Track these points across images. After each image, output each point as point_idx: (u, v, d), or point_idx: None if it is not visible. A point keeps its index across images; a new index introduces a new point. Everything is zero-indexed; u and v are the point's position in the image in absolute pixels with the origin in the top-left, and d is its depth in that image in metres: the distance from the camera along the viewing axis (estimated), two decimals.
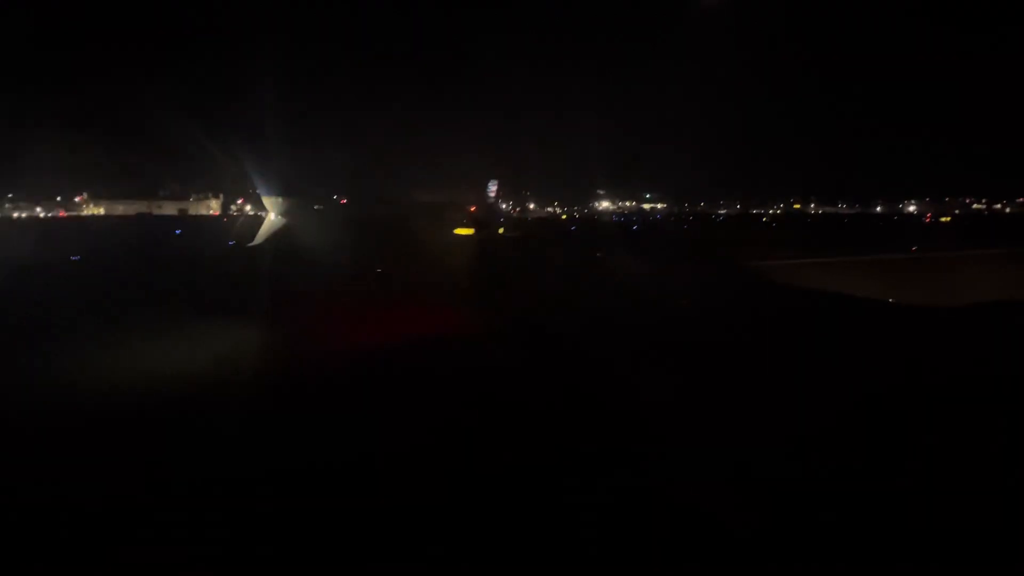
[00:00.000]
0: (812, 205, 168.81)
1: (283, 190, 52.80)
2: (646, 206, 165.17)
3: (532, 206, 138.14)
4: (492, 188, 70.41)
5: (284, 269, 29.00)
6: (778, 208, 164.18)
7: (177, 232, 57.92)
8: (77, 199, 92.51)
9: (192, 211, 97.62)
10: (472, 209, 58.28)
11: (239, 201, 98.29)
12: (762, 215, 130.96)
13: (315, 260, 31.29)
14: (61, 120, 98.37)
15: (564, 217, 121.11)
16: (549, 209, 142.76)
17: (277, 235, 46.99)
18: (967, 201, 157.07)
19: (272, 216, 51.99)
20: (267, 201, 53.70)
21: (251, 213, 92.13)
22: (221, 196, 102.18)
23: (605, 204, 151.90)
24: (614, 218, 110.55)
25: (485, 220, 56.12)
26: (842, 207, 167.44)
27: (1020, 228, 72.13)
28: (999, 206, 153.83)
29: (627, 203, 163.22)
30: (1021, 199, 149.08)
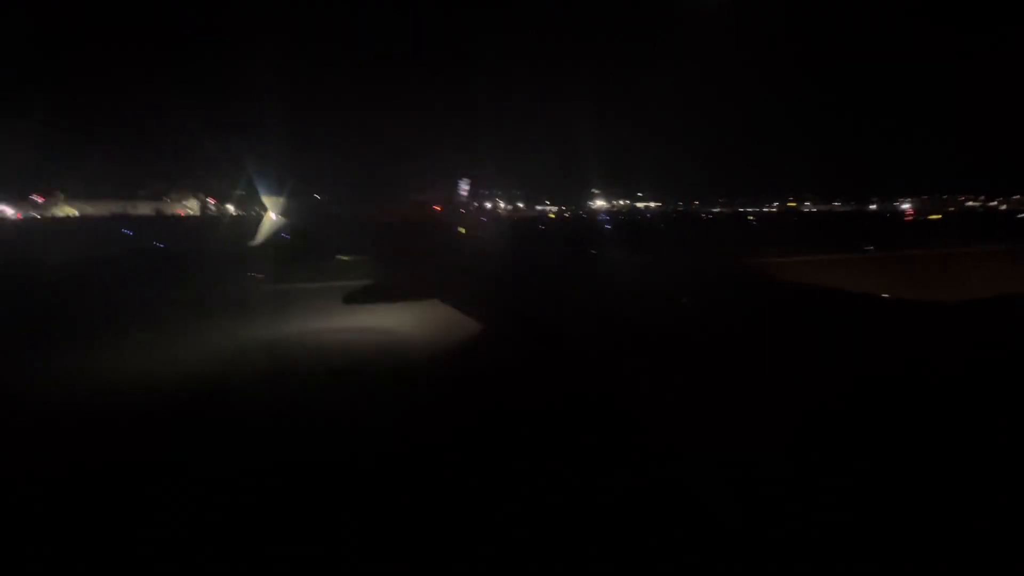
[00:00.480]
0: (807, 204, 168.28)
1: (265, 190, 51.44)
2: (640, 204, 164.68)
3: (522, 204, 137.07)
4: (464, 187, 68.71)
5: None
6: (774, 206, 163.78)
7: (128, 233, 54.38)
8: (37, 199, 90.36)
9: (169, 211, 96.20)
10: (437, 208, 57.02)
11: (211, 201, 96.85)
12: (748, 214, 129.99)
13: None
14: (36, 116, 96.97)
15: (552, 216, 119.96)
16: (540, 208, 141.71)
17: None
18: (962, 199, 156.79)
19: (273, 215, 50.74)
20: (267, 200, 52.28)
21: (233, 213, 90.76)
22: (200, 196, 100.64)
23: (600, 203, 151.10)
24: (601, 217, 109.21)
25: (449, 219, 54.77)
26: (836, 205, 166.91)
27: (1005, 226, 70.94)
28: (994, 203, 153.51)
29: (622, 202, 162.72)
30: (1017, 196, 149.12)
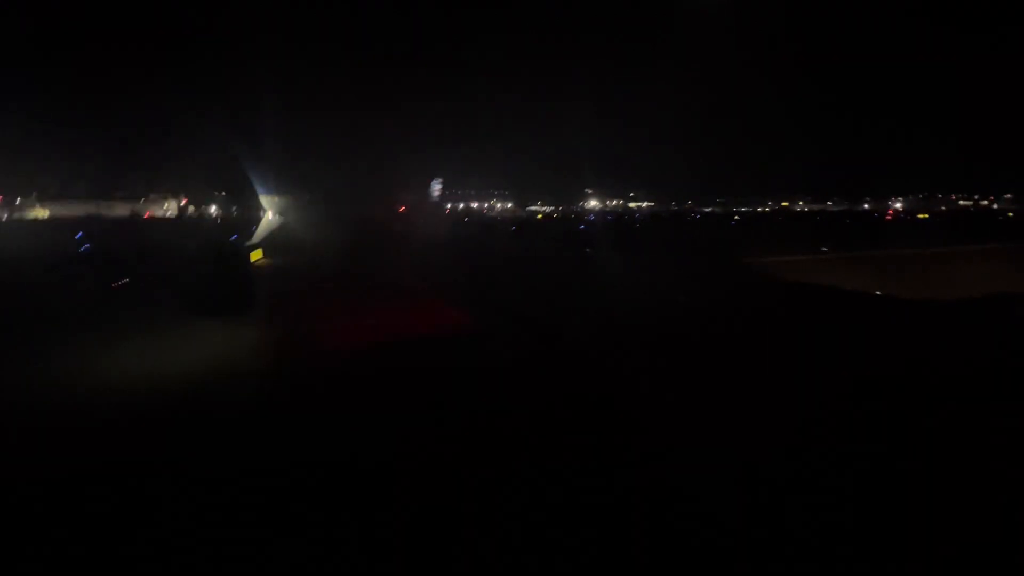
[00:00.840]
0: (800, 203, 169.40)
1: (262, 190, 51.27)
2: (632, 205, 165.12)
3: (511, 205, 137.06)
4: (436, 187, 68.22)
5: None
6: (767, 207, 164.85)
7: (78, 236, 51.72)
8: None
9: (145, 213, 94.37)
10: (402, 209, 56.68)
11: (183, 202, 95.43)
12: (734, 214, 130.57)
13: None
14: (10, 115, 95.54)
15: (540, 217, 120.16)
16: (532, 208, 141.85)
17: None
18: (954, 198, 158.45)
19: (271, 215, 50.62)
20: (264, 200, 52.03)
21: (215, 214, 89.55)
22: (180, 197, 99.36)
23: (593, 203, 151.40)
24: (589, 217, 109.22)
25: (414, 220, 54.51)
26: (829, 204, 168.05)
27: (991, 225, 71.48)
28: (986, 203, 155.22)
29: (616, 202, 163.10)
30: (1008, 195, 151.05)
